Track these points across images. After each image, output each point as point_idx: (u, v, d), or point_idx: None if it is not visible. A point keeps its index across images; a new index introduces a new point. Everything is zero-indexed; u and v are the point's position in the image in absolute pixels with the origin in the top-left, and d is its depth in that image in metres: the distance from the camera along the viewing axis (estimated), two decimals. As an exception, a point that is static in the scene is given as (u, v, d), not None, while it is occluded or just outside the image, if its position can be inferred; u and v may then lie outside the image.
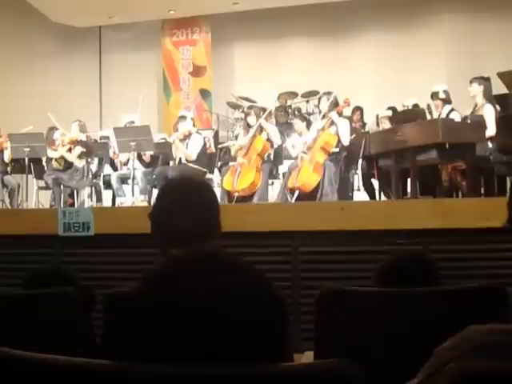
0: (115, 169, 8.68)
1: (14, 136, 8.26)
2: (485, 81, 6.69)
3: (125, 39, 12.05)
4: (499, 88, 6.53)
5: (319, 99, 7.86)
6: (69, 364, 0.88)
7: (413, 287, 2.03)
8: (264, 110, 8.12)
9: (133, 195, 7.75)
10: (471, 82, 6.71)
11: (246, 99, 10.58)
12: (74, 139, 8.32)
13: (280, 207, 5.58)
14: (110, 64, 12.32)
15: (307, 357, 2.11)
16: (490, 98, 6.61)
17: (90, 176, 8.26)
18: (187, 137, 8.03)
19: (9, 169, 8.63)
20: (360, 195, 7.41)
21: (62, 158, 8.31)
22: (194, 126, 8.35)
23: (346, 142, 7.22)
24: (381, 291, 2.08)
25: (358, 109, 9.25)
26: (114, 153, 8.53)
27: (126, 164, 8.41)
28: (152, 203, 2.31)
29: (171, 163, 8.27)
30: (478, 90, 6.64)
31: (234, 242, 3.58)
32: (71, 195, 8.45)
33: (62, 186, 8.17)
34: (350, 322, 1.97)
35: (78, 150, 8.27)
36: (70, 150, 8.33)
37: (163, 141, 8.81)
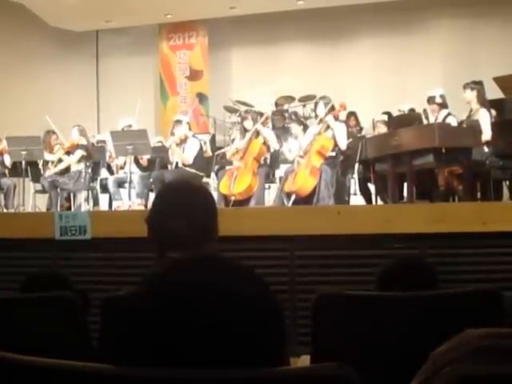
0: (112, 172, 8.67)
1: (11, 139, 8.25)
2: (477, 85, 6.69)
3: (122, 43, 12.06)
4: (494, 90, 6.54)
5: (316, 103, 7.85)
6: (67, 368, 0.88)
7: (411, 291, 2.03)
8: (261, 114, 8.11)
9: (129, 199, 7.73)
10: (464, 89, 6.71)
11: (243, 103, 10.59)
12: (75, 143, 8.32)
13: (277, 211, 5.57)
14: (107, 68, 12.32)
15: (303, 361, 2.11)
16: (484, 102, 6.62)
17: (87, 180, 8.25)
18: (183, 141, 8.02)
19: (7, 171, 8.62)
20: (356, 199, 7.41)
21: (60, 161, 8.29)
22: (189, 129, 8.34)
23: (342, 146, 7.20)
24: (377, 295, 2.08)
25: (352, 114, 9.25)
26: (111, 156, 8.53)
27: (122, 168, 8.40)
28: (149, 207, 2.31)
29: (168, 167, 8.27)
30: (471, 95, 6.65)
31: (231, 246, 3.58)
32: (68, 199, 8.43)
33: (58, 190, 8.15)
34: (347, 325, 1.97)
35: (79, 153, 8.27)
36: (68, 153, 8.33)
37: (160, 144, 8.81)
